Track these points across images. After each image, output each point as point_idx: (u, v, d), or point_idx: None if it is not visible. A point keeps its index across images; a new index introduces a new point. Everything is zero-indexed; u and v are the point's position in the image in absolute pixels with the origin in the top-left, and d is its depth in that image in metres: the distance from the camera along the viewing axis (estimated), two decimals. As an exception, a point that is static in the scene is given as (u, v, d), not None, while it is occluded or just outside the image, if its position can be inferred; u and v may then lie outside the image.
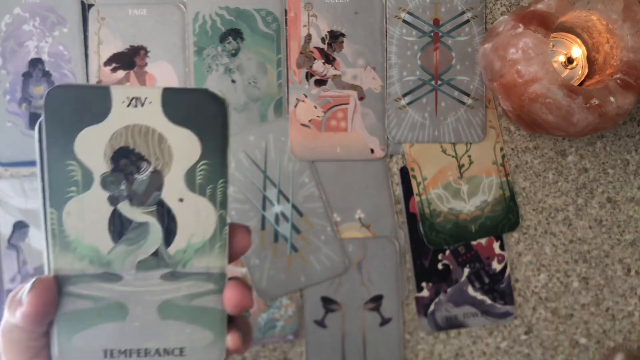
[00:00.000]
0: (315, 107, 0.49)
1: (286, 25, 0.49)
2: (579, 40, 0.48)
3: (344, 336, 0.50)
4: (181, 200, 0.27)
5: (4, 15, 0.49)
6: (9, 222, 0.49)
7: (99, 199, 0.26)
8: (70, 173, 0.25)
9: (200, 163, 0.27)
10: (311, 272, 0.50)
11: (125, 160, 0.26)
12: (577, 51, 0.48)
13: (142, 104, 0.25)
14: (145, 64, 0.49)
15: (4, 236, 0.49)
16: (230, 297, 0.28)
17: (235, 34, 0.49)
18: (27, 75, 0.49)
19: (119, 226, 0.26)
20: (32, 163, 0.49)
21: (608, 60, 0.45)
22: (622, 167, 0.51)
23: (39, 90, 0.49)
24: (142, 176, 0.26)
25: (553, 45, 0.48)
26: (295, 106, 0.49)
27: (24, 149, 0.49)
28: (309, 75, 0.49)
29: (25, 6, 0.49)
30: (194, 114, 0.26)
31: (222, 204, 0.27)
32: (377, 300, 0.50)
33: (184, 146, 0.26)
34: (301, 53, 0.49)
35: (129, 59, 0.49)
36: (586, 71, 0.48)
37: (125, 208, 0.26)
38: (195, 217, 0.27)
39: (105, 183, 0.26)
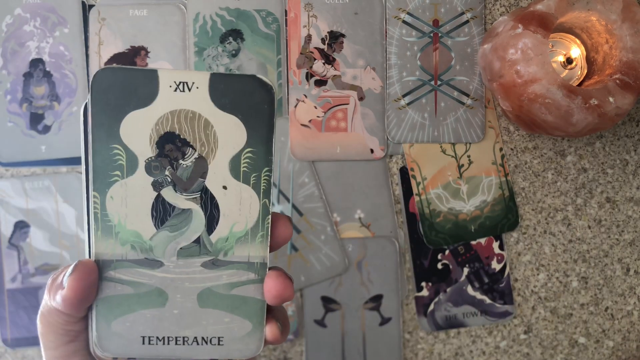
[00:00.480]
0: (315, 108, 0.50)
1: (286, 25, 0.50)
2: (578, 41, 0.48)
3: (343, 336, 0.50)
4: (225, 187, 0.26)
5: (4, 16, 0.49)
6: (9, 221, 0.49)
7: (142, 184, 0.26)
8: (115, 157, 0.25)
9: (246, 151, 0.26)
10: (311, 271, 0.50)
11: (170, 145, 0.25)
12: (576, 51, 0.48)
13: (189, 89, 0.25)
14: (146, 65, 0.49)
15: (5, 236, 0.49)
16: (271, 288, 0.28)
17: (236, 34, 0.49)
18: (28, 76, 0.49)
19: (161, 212, 0.26)
20: (32, 163, 0.49)
21: (607, 60, 0.45)
22: (621, 167, 0.51)
23: (40, 90, 0.49)
24: (187, 162, 0.26)
25: (552, 46, 0.48)
26: (295, 106, 0.50)
27: (25, 149, 0.49)
28: (309, 76, 0.50)
29: (26, 7, 0.49)
30: (241, 100, 0.26)
31: (265, 193, 0.27)
32: (376, 299, 0.50)
33: (229, 133, 0.26)
34: (301, 53, 0.50)
35: (130, 60, 0.49)
36: (585, 71, 0.49)
37: (168, 194, 0.26)
38: (238, 206, 0.27)
39: (149, 168, 0.26)
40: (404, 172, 0.50)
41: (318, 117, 0.50)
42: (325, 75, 0.50)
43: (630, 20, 0.43)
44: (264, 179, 0.27)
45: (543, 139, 0.51)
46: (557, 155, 0.51)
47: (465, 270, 0.51)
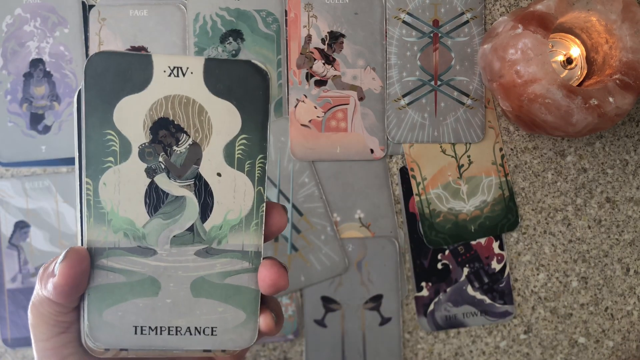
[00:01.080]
0: (315, 108, 0.50)
1: (286, 25, 0.50)
2: (578, 41, 0.48)
3: (343, 335, 0.50)
4: (219, 174, 0.26)
5: (5, 16, 0.49)
6: (10, 221, 0.49)
7: (136, 171, 0.25)
8: (108, 143, 0.25)
9: (240, 137, 0.26)
10: (311, 271, 0.50)
11: (164, 131, 0.25)
12: (576, 51, 0.48)
13: (184, 74, 0.25)
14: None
15: (5, 236, 0.49)
16: (266, 276, 0.27)
17: (236, 34, 0.49)
18: (28, 76, 0.49)
19: (155, 199, 0.26)
20: (33, 163, 0.49)
21: (607, 60, 0.45)
22: (621, 167, 0.51)
23: (40, 90, 0.49)
24: (181, 148, 0.25)
25: (552, 46, 0.48)
26: (296, 106, 0.50)
27: (25, 149, 0.49)
28: (309, 76, 0.50)
29: (26, 7, 0.49)
30: (236, 85, 0.25)
31: (260, 181, 0.27)
32: (376, 299, 0.50)
33: (224, 119, 0.25)
34: (301, 54, 0.50)
35: (130, 60, 0.49)
36: (585, 72, 0.49)
37: (162, 181, 0.26)
38: (233, 193, 0.26)
39: (143, 154, 0.25)
40: (404, 172, 0.50)
41: (318, 117, 0.50)
42: (325, 75, 0.50)
43: (630, 20, 0.43)
44: (259, 166, 0.26)
45: (543, 139, 0.51)
46: (557, 155, 0.51)
47: (465, 270, 0.51)
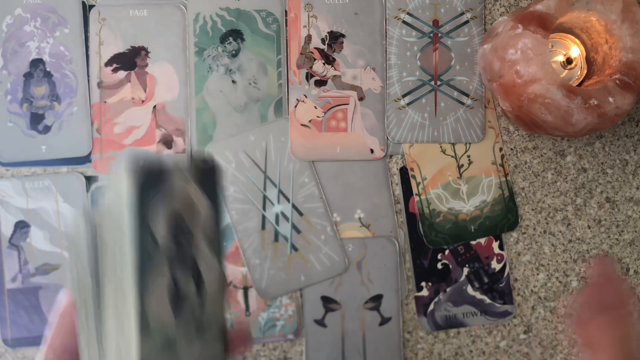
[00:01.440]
0: (315, 108, 0.50)
1: (286, 25, 0.50)
2: (578, 41, 0.48)
3: (343, 335, 0.50)
4: (206, 263, 0.28)
5: (5, 16, 0.49)
6: (10, 221, 0.49)
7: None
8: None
9: (209, 224, 0.28)
10: (311, 271, 0.50)
11: (177, 231, 0.27)
12: (576, 51, 0.48)
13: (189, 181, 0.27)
14: (146, 65, 0.49)
15: (5, 236, 0.49)
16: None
17: (236, 34, 0.49)
18: (28, 76, 0.49)
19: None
20: (33, 163, 0.49)
21: (607, 60, 0.45)
22: (620, 167, 0.51)
23: (40, 90, 0.49)
24: (186, 242, 0.27)
25: (552, 46, 0.48)
26: (296, 106, 0.50)
27: (26, 149, 0.49)
28: (309, 76, 0.50)
29: (26, 7, 0.49)
30: (209, 185, 0.28)
31: (221, 253, 0.29)
32: (376, 299, 0.50)
33: (206, 212, 0.28)
34: (301, 54, 0.50)
35: (130, 60, 0.49)
36: (585, 72, 0.49)
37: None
38: (210, 277, 0.28)
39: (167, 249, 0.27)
40: (404, 172, 0.50)
41: (318, 117, 0.50)
42: (325, 75, 0.50)
43: (630, 20, 0.43)
44: (220, 242, 0.28)
45: (543, 139, 0.51)
46: (557, 155, 0.51)
47: (465, 270, 0.51)
